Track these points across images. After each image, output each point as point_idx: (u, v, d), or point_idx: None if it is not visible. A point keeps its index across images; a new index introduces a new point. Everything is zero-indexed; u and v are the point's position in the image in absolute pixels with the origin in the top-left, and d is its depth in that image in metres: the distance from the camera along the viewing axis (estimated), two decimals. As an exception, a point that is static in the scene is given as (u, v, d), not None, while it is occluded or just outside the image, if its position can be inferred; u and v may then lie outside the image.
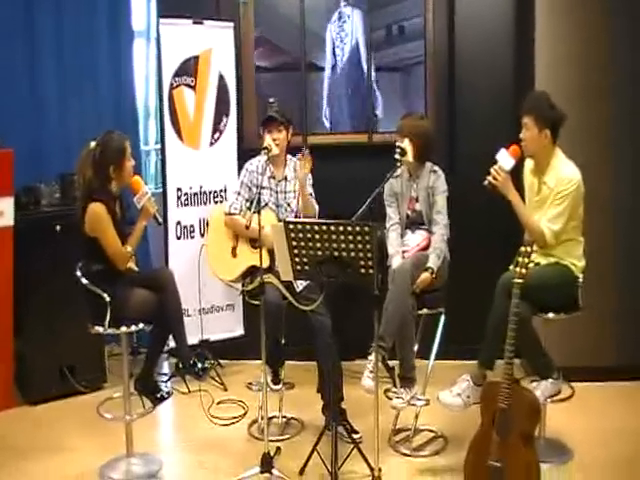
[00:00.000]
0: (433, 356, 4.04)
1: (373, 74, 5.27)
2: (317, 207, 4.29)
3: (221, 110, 5.18)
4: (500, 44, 5.04)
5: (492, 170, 3.69)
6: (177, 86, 5.03)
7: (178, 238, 5.06)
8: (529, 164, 3.88)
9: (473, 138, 5.01)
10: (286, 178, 4.35)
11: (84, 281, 3.82)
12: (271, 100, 4.41)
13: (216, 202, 5.12)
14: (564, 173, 3.65)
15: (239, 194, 4.37)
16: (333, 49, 5.34)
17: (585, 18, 4.56)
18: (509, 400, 3.26)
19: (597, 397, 4.49)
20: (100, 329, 3.79)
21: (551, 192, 3.66)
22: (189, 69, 5.06)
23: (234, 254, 4.39)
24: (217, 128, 5.18)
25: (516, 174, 3.82)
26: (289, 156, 4.40)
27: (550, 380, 3.60)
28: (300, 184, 4.20)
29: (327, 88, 5.39)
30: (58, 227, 4.70)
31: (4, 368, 4.66)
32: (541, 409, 3.52)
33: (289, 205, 4.33)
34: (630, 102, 4.58)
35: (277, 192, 4.34)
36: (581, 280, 3.72)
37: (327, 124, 5.41)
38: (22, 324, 4.68)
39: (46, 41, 5.18)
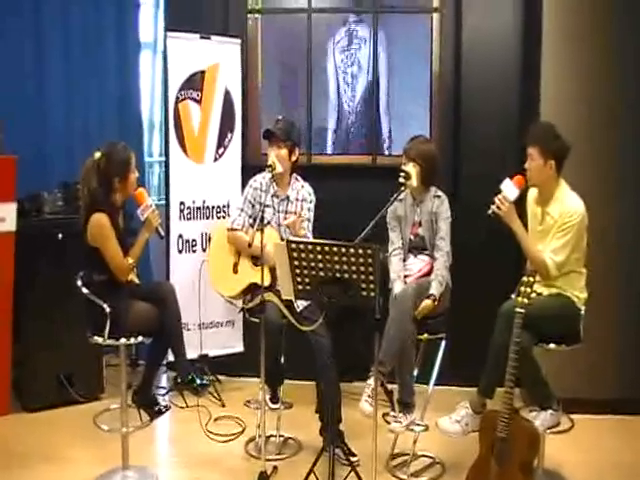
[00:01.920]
0: (433, 382, 4.04)
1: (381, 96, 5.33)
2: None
3: (226, 125, 5.20)
4: (506, 71, 5.08)
5: (496, 199, 3.70)
6: (183, 99, 5.05)
7: (180, 252, 5.07)
8: (533, 193, 3.90)
9: (477, 164, 5.04)
10: (288, 198, 4.35)
11: (85, 291, 3.83)
12: (279, 117, 4.43)
13: (219, 217, 5.14)
14: (568, 205, 3.67)
15: (242, 210, 4.38)
16: (337, 74, 5.40)
17: (592, 50, 4.59)
18: (508, 429, 3.28)
19: (596, 430, 4.50)
20: (99, 340, 3.80)
21: (555, 223, 3.68)
22: (195, 83, 5.08)
23: (235, 270, 4.40)
24: (222, 143, 5.20)
25: (520, 203, 3.83)
26: (295, 176, 4.41)
27: (550, 411, 3.60)
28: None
29: (333, 109, 5.43)
30: (60, 235, 4.71)
31: (2, 374, 4.66)
32: (540, 440, 3.53)
33: (288, 227, 4.31)
34: (635, 135, 4.61)
35: (279, 211, 4.34)
36: (583, 312, 3.73)
37: (331, 144, 5.45)
38: (22, 331, 4.69)
39: (53, 50, 5.22)
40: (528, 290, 3.36)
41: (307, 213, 4.34)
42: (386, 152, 5.42)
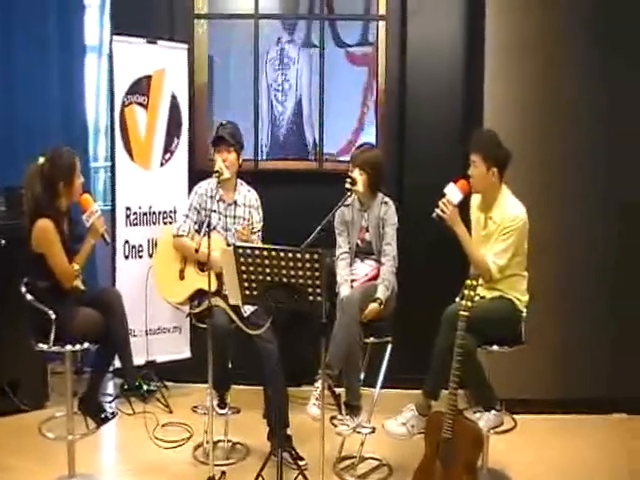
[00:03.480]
0: (379, 384, 4.10)
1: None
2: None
3: (173, 131, 5.17)
4: (451, 79, 5.17)
5: (440, 203, 3.77)
6: (129, 104, 5.01)
7: (126, 257, 5.03)
8: (476, 199, 3.98)
9: (422, 171, 5.10)
10: (236, 202, 4.37)
11: (29, 297, 3.78)
12: (223, 122, 4.44)
13: (165, 223, 5.11)
14: (510, 210, 3.76)
15: (187, 217, 4.37)
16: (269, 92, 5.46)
17: (535, 58, 4.70)
18: (453, 430, 3.35)
19: (539, 429, 4.58)
20: (44, 347, 3.74)
21: (497, 228, 3.76)
22: (141, 88, 5.04)
23: (182, 276, 4.39)
24: (168, 149, 5.16)
25: (463, 209, 3.91)
26: (239, 180, 4.42)
27: (493, 411, 3.67)
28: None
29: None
30: (3, 241, 4.62)
31: (-56, 382, 4.57)
32: (484, 439, 3.61)
33: (237, 231, 4.32)
34: (575, 143, 4.73)
35: (226, 216, 4.35)
36: (525, 314, 3.82)
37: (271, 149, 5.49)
38: (-37, 338, 4.60)
39: (-6, 51, 5.13)
40: (471, 293, 3.44)
41: (258, 225, 4.38)
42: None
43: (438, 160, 5.05)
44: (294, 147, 5.49)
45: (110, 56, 5.01)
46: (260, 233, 4.39)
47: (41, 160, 3.81)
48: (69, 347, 3.76)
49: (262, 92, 5.43)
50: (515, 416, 3.98)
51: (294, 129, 5.46)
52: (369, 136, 5.38)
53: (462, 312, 3.43)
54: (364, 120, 5.48)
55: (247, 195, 4.40)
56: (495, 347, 3.76)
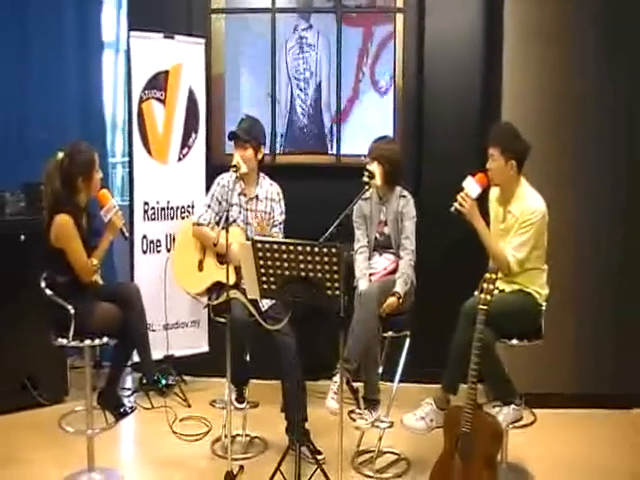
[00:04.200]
0: (397, 379, 4.09)
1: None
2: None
3: (190, 125, 5.18)
4: (468, 72, 5.13)
5: (459, 196, 3.76)
6: (146, 99, 5.03)
7: (144, 252, 5.05)
8: (494, 192, 3.96)
9: (439, 164, 5.09)
10: (257, 197, 4.36)
11: (48, 292, 3.80)
12: (243, 117, 4.43)
13: (183, 218, 5.12)
14: (529, 203, 3.73)
15: (209, 207, 4.36)
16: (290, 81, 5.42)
17: (553, 49, 4.66)
18: (472, 424, 3.33)
19: (558, 424, 4.56)
20: (63, 341, 3.76)
21: (516, 221, 3.74)
22: (159, 83, 5.05)
23: (200, 268, 4.39)
24: (186, 143, 5.17)
25: (482, 202, 3.89)
26: (262, 174, 4.41)
27: (512, 406, 3.66)
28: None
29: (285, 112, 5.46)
30: (22, 237, 4.65)
31: (-35, 377, 4.61)
32: (503, 434, 3.58)
33: (262, 220, 4.32)
34: (595, 134, 4.68)
35: (247, 210, 4.34)
36: (544, 308, 3.80)
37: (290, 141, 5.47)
38: (-16, 333, 4.64)
39: (12, 49, 5.15)
40: (490, 287, 3.41)
41: (279, 218, 4.37)
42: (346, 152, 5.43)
43: (456, 153, 5.04)
44: (313, 137, 5.44)
45: (127, 51, 5.02)
46: (281, 226, 4.37)
47: (60, 155, 3.83)
48: (88, 342, 3.78)
49: (282, 83, 5.40)
50: (534, 410, 3.95)
51: (314, 118, 5.42)
52: (364, 107, 5.36)
53: (481, 306, 3.40)
54: (358, 88, 5.41)
55: (269, 189, 4.39)
56: (514, 341, 3.74)
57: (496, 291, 3.48)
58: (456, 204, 3.75)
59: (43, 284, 3.83)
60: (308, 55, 5.41)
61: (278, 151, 5.41)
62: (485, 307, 3.40)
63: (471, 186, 3.78)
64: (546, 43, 4.65)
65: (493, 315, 3.43)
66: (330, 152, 5.41)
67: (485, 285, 3.42)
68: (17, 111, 5.17)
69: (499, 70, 4.72)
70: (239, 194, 4.33)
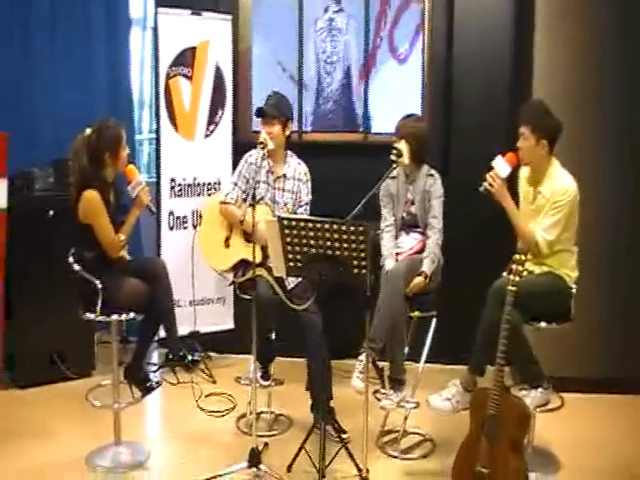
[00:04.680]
0: (423, 359, 4.06)
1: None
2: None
3: (217, 102, 5.17)
4: (499, 48, 5.04)
5: (488, 176, 3.71)
6: (173, 76, 5.02)
7: (171, 229, 5.07)
8: (524, 172, 3.90)
9: (469, 142, 5.02)
10: (285, 176, 4.31)
11: (76, 267, 3.83)
12: (270, 93, 4.39)
13: (209, 194, 5.12)
14: (560, 183, 3.67)
15: (236, 185, 4.34)
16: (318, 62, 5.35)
17: (585, 24, 4.57)
18: (499, 407, 3.30)
19: (586, 408, 4.52)
20: (91, 316, 3.81)
21: (547, 202, 3.68)
22: (186, 60, 5.04)
23: (227, 245, 4.38)
24: (212, 120, 5.17)
25: (511, 182, 3.84)
26: (289, 152, 4.38)
27: (540, 389, 3.62)
28: None
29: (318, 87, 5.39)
30: (51, 212, 4.71)
31: (-6, 351, 4.68)
32: (531, 417, 3.56)
33: (285, 204, 4.30)
34: (627, 111, 4.60)
35: (275, 188, 4.32)
36: (574, 291, 3.75)
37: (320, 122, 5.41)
38: (13, 308, 4.70)
39: (41, 27, 5.16)
40: (519, 268, 3.36)
41: (305, 198, 4.34)
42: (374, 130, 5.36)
43: (485, 131, 4.97)
44: (341, 120, 5.39)
45: (155, 28, 5.00)
46: (308, 207, 4.34)
47: (87, 131, 3.84)
48: (115, 317, 3.81)
49: (310, 63, 5.34)
50: (562, 394, 3.92)
51: (342, 101, 5.37)
52: (382, 78, 5.29)
53: (510, 287, 3.36)
54: (376, 56, 5.30)
55: (297, 168, 4.36)
56: (543, 324, 3.70)
57: (525, 273, 3.43)
58: (485, 184, 3.70)
59: (71, 259, 3.86)
60: (337, 38, 5.32)
61: (306, 129, 5.35)
62: (514, 288, 3.35)
63: (501, 166, 3.72)
64: (580, 17, 4.55)
65: (521, 297, 3.38)
66: (359, 130, 5.34)
67: (514, 266, 3.37)
68: (45, 88, 5.17)
69: (530, 44, 4.63)
70: (267, 171, 4.30)
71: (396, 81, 5.31)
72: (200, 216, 4.98)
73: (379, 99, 5.32)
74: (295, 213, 4.27)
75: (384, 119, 5.20)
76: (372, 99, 5.31)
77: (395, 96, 5.30)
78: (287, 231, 3.40)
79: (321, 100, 5.38)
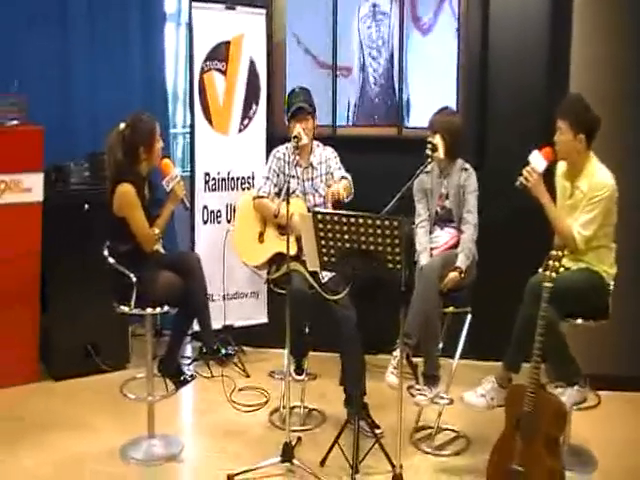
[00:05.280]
0: (458, 355, 4.03)
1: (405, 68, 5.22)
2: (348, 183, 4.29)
3: (251, 97, 5.18)
4: (535, 41, 4.96)
5: (524, 171, 3.67)
6: (208, 70, 5.04)
7: (205, 223, 5.08)
8: (561, 167, 3.85)
9: (504, 136, 4.96)
10: (312, 165, 4.36)
11: (111, 261, 3.86)
12: (295, 90, 4.42)
13: (243, 189, 5.14)
14: (598, 178, 3.62)
15: (268, 179, 4.38)
16: (362, 50, 5.27)
17: (623, 18, 4.49)
18: (534, 404, 3.25)
19: (623, 406, 4.46)
20: (126, 309, 3.83)
21: (584, 197, 3.63)
22: (220, 54, 5.06)
23: (261, 240, 4.39)
24: (246, 114, 5.18)
25: (548, 176, 3.79)
26: (315, 142, 4.40)
27: (576, 387, 3.58)
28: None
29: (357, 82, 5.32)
30: (86, 206, 4.74)
31: (30, 343, 4.74)
32: (567, 415, 3.50)
33: (317, 191, 4.34)
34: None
35: (304, 180, 4.35)
36: (612, 287, 3.69)
37: (354, 116, 5.35)
38: (49, 300, 4.76)
39: (78, 22, 5.19)
40: (556, 264, 3.30)
41: (338, 173, 4.32)
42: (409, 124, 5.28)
43: (521, 124, 4.90)
44: (384, 108, 5.30)
45: (189, 23, 5.02)
46: (343, 171, 4.32)
47: (122, 126, 3.86)
48: (150, 310, 3.83)
49: (355, 52, 5.27)
50: (599, 392, 3.87)
51: (386, 89, 5.29)
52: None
53: (546, 284, 3.31)
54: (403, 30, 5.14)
55: (322, 153, 4.39)
56: (579, 320, 3.65)
57: (562, 269, 3.37)
58: (521, 178, 3.67)
59: (106, 253, 3.89)
60: (381, 24, 5.25)
61: (351, 121, 5.31)
62: (550, 285, 3.31)
63: (537, 160, 3.68)
64: (619, 9, 4.47)
65: (558, 293, 3.33)
66: (404, 124, 5.24)
67: (550, 262, 3.32)
68: (81, 83, 5.21)
69: (568, 36, 4.55)
70: (295, 165, 4.32)
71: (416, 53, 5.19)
72: (234, 210, 4.99)
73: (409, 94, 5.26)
74: (332, 175, 4.28)
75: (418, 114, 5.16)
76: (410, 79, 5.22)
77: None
78: (321, 225, 3.39)
79: (367, 88, 5.29)
